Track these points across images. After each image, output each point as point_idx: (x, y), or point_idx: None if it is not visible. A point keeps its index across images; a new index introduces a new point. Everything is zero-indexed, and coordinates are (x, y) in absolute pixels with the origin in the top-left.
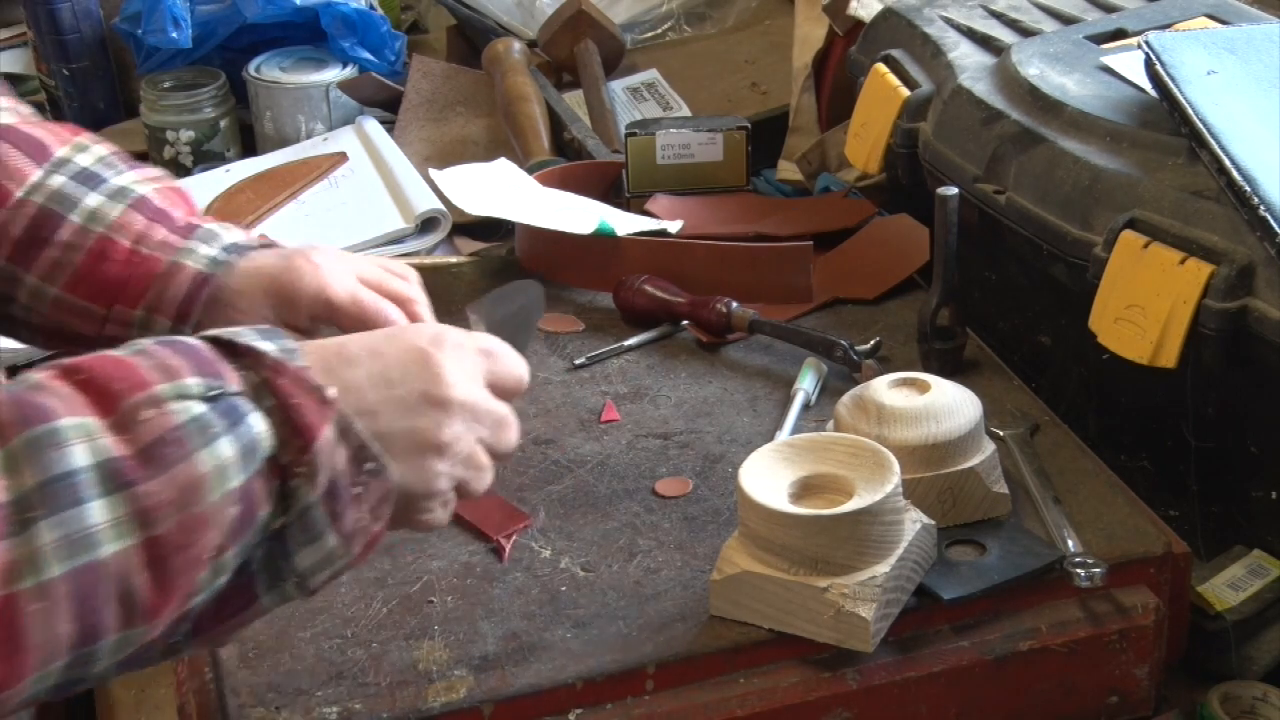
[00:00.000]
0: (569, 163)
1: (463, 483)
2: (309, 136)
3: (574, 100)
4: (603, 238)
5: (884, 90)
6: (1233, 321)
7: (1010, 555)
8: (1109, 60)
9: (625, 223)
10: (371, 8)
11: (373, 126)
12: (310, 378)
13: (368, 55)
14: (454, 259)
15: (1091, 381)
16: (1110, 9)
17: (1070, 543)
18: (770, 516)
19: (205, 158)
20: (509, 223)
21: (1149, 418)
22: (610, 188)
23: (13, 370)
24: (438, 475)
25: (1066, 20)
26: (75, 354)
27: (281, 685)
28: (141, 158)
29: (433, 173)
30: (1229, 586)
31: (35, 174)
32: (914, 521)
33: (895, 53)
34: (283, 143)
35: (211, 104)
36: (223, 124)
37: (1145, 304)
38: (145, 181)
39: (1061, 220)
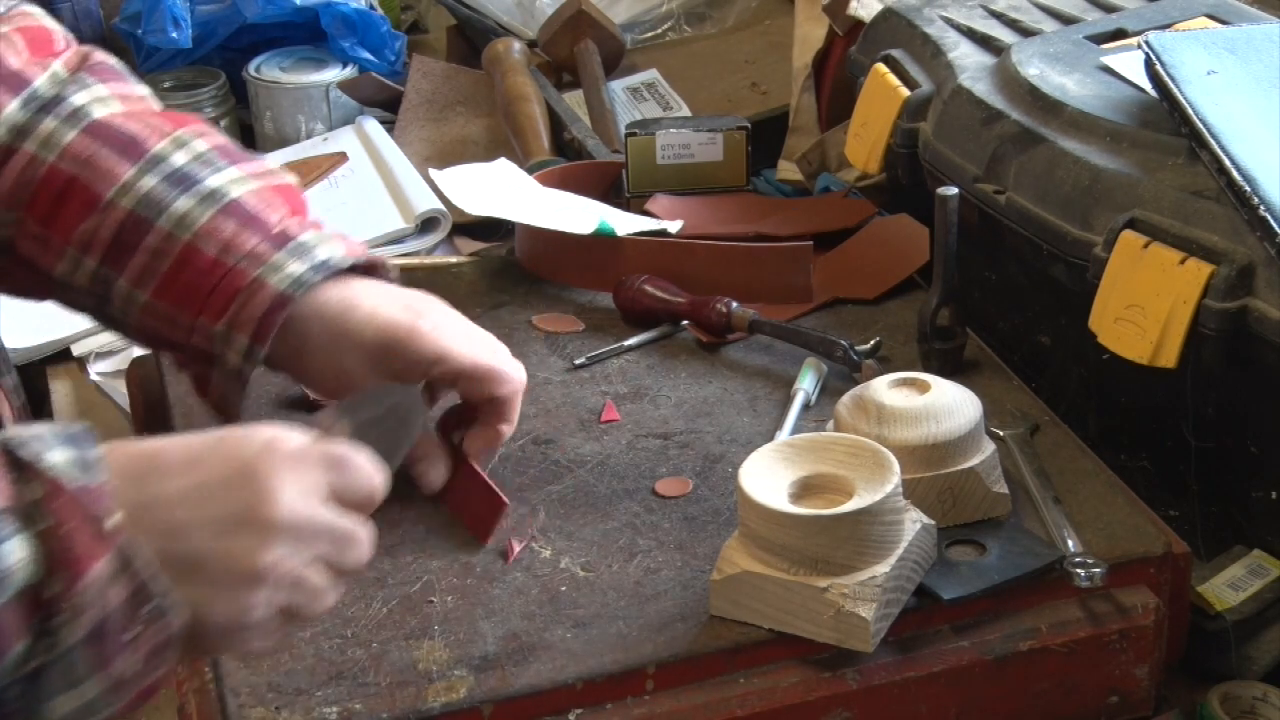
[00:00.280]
0: (569, 163)
1: (291, 608)
2: (309, 136)
3: (574, 100)
4: (603, 238)
5: (884, 90)
6: (1233, 321)
7: (1010, 555)
8: (1109, 60)
9: (625, 223)
10: (371, 8)
11: (373, 126)
12: (90, 503)
13: (368, 55)
14: (454, 259)
15: (1091, 381)
16: (1110, 9)
17: (1070, 543)
18: (770, 516)
19: None
20: (509, 223)
21: (1149, 418)
22: (610, 188)
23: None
24: (252, 606)
25: (1066, 20)
26: (172, 356)
27: (281, 685)
28: None
29: (433, 173)
30: (1229, 586)
31: (127, 173)
32: (914, 521)
33: (895, 53)
34: (283, 143)
35: (211, 104)
36: (223, 124)
37: (1145, 304)
38: (244, 180)
39: (1061, 220)
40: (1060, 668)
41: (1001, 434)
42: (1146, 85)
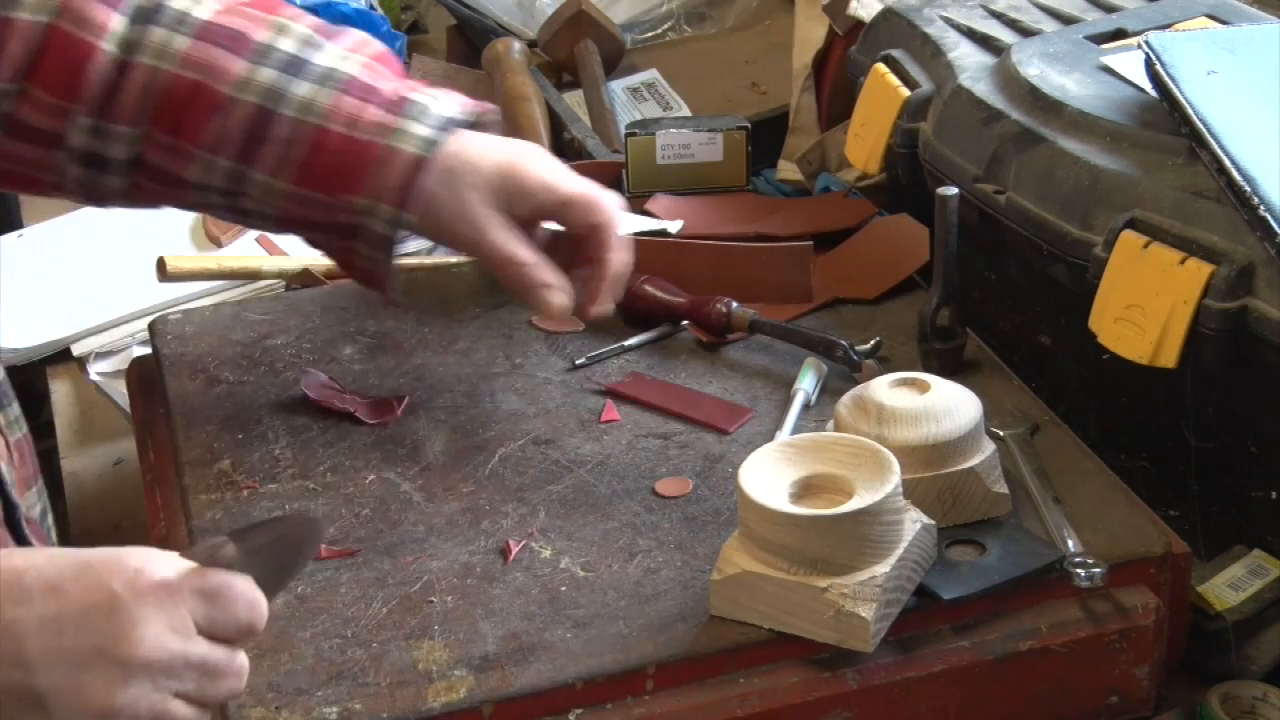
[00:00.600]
0: (569, 163)
1: None
2: None
3: (574, 100)
4: None
5: (884, 90)
6: (1233, 321)
7: (1010, 555)
8: (1109, 60)
9: (625, 223)
10: (371, 8)
11: None
12: None
13: None
14: (454, 259)
15: (1091, 381)
16: (1110, 9)
17: (1070, 543)
18: (770, 516)
19: None
20: None
21: (1149, 418)
22: (610, 188)
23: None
24: None
25: (1066, 20)
26: (311, 238)
27: (281, 685)
28: None
29: None
30: (1229, 586)
31: (242, 68)
32: (914, 521)
33: (895, 53)
34: None
35: None
36: None
37: (1145, 304)
38: (349, 55)
39: (1061, 220)
40: (1060, 668)
41: (1001, 434)
42: (1146, 85)
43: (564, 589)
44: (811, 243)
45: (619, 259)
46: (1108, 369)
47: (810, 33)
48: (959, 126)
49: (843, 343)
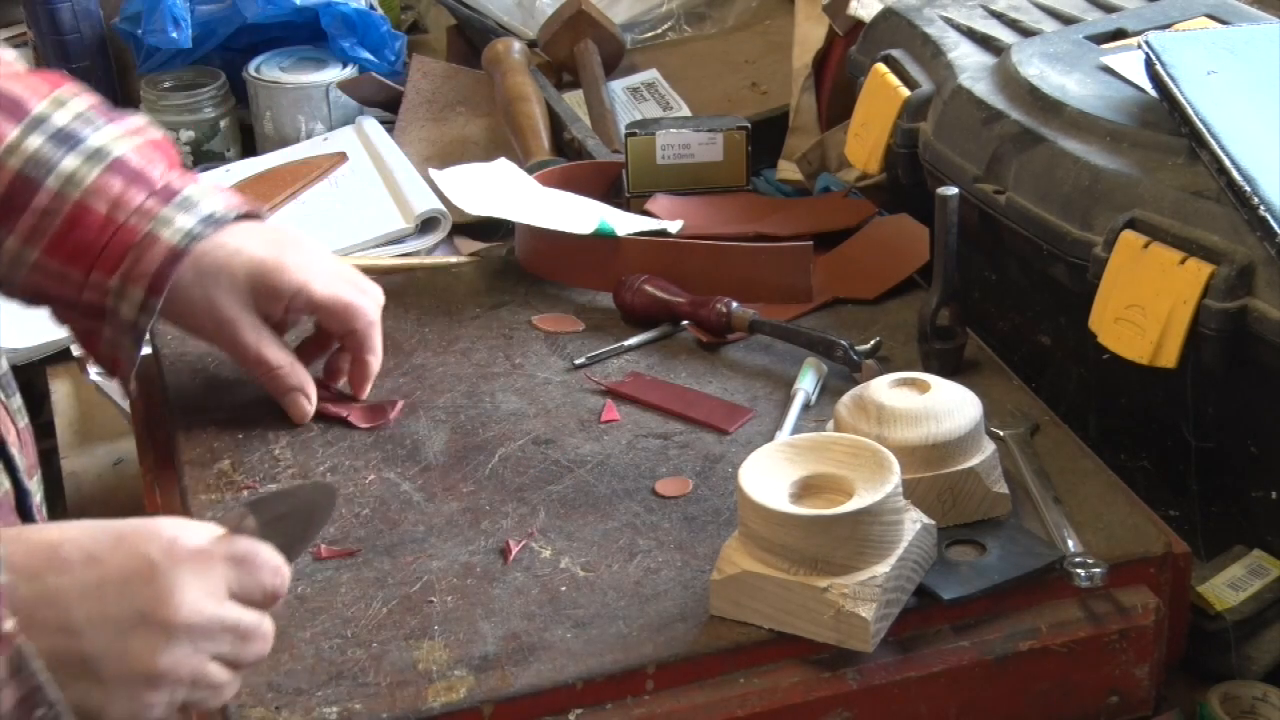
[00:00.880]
0: (569, 163)
1: (190, 704)
2: (309, 136)
3: (574, 100)
4: (603, 238)
5: (884, 90)
6: (1233, 321)
7: (1010, 555)
8: (1109, 60)
9: (625, 223)
10: (371, 8)
11: (372, 126)
12: None
13: (368, 55)
14: (454, 259)
15: (1091, 381)
16: (1110, 9)
17: (1070, 543)
18: (770, 516)
19: (205, 158)
20: (509, 223)
21: (1149, 418)
22: (610, 188)
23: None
24: (150, 705)
25: (1066, 20)
26: (57, 313)
27: (281, 685)
28: None
29: (433, 173)
30: (1229, 586)
31: (11, 134)
32: (914, 521)
33: (895, 53)
34: (283, 143)
35: (211, 104)
36: (223, 124)
37: (1145, 304)
38: (125, 137)
39: (1061, 220)
40: (1060, 668)
41: (1001, 434)
42: (1146, 85)
43: (564, 589)
44: (811, 243)
45: (375, 364)
46: (1108, 369)
47: (810, 33)
48: (959, 126)
49: (843, 343)
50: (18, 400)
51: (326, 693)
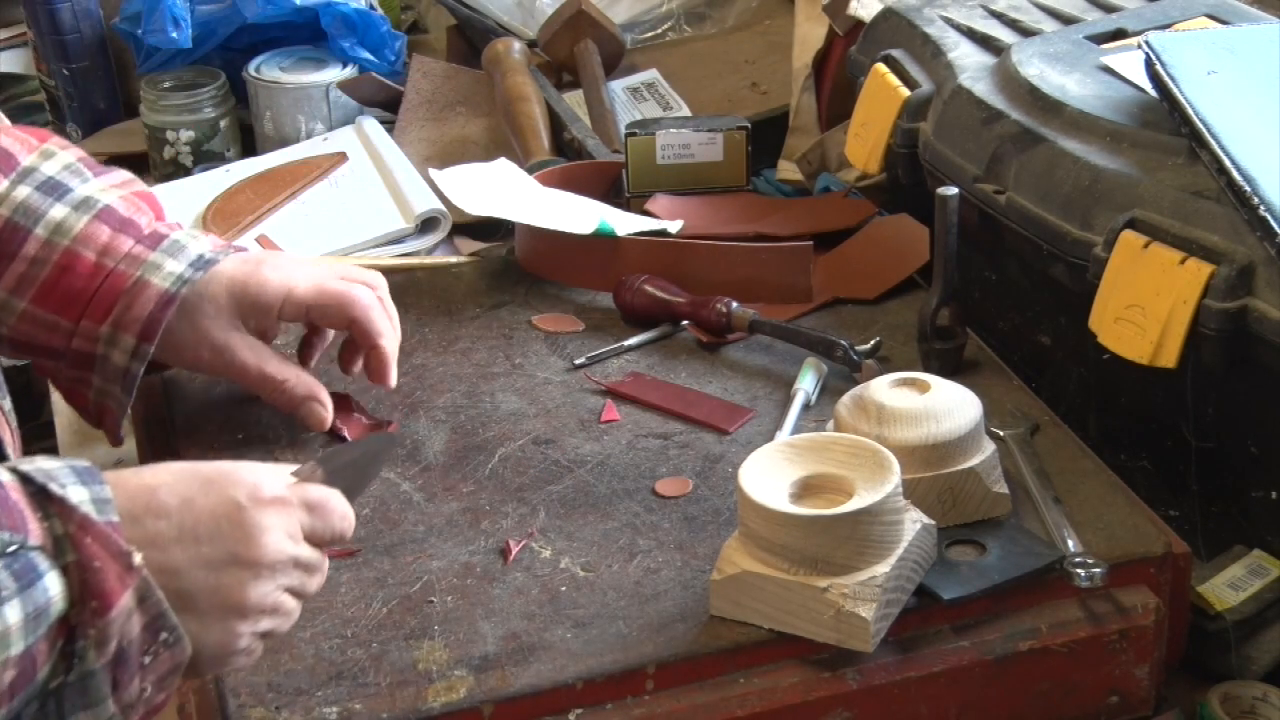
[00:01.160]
0: (569, 163)
1: (267, 633)
2: (309, 136)
3: (574, 100)
4: (603, 238)
5: (884, 90)
6: (1233, 321)
7: (1010, 555)
8: (1109, 60)
9: (625, 223)
10: (371, 8)
11: (372, 126)
12: (118, 540)
13: (368, 55)
14: (454, 259)
15: (1091, 381)
16: (1110, 9)
17: (1070, 543)
18: (770, 516)
19: (205, 158)
20: (509, 223)
21: (1149, 418)
22: (610, 188)
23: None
24: (239, 635)
25: (1066, 20)
26: (42, 365)
27: (281, 685)
28: (141, 158)
29: (433, 173)
30: (1229, 586)
31: (1, 185)
32: (914, 521)
33: (895, 53)
34: (283, 143)
35: (211, 104)
36: (223, 124)
37: (1145, 304)
38: (111, 189)
39: (1061, 220)
40: (1060, 668)
41: (1001, 434)
42: (1146, 85)
43: (564, 589)
44: (811, 243)
45: (389, 345)
46: (1108, 369)
47: (810, 33)
48: (959, 126)
49: (843, 343)
50: (8, 402)
51: (326, 693)
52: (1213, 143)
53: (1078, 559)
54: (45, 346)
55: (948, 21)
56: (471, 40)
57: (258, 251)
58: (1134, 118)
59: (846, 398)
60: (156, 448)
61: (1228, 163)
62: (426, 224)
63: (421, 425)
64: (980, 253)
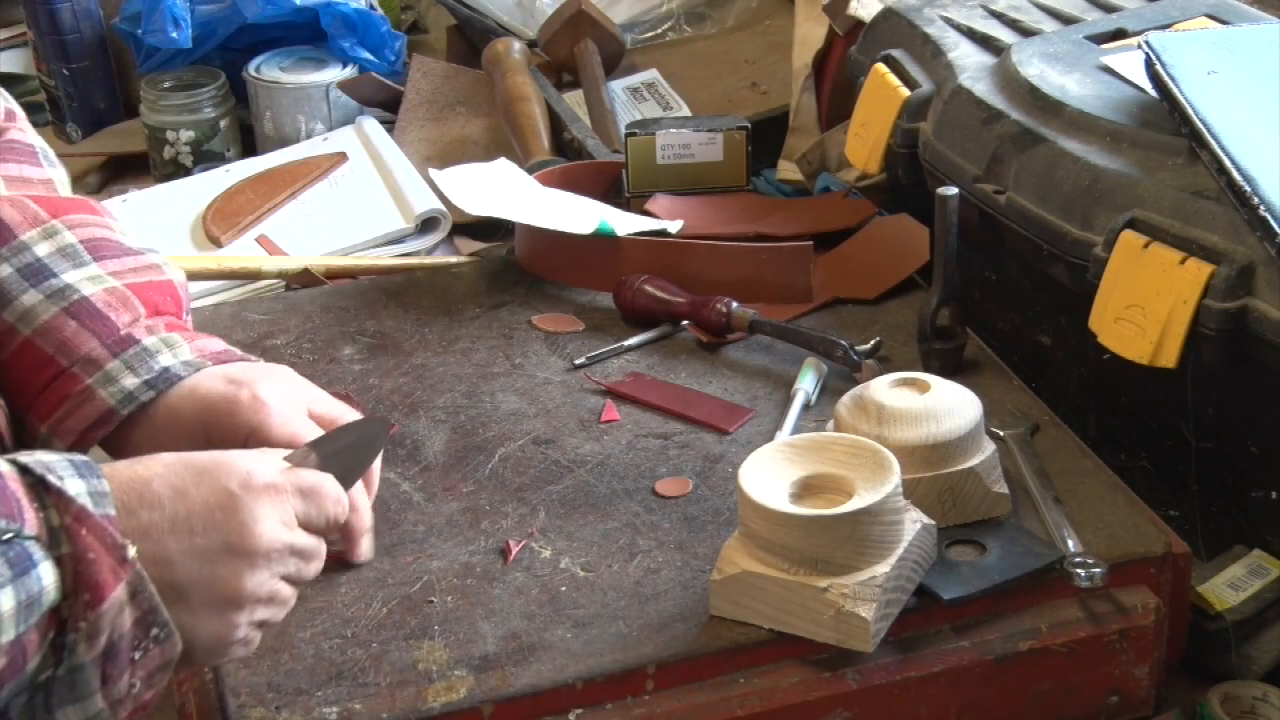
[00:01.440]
0: (569, 163)
1: (262, 621)
2: (309, 136)
3: (574, 100)
4: (603, 238)
5: (884, 90)
6: (1233, 321)
7: (1010, 555)
8: (1109, 60)
9: (625, 223)
10: (371, 8)
11: (372, 126)
12: (113, 533)
13: (368, 55)
14: (454, 259)
15: (1091, 381)
16: (1110, 9)
17: (1070, 543)
18: (770, 516)
19: (205, 158)
20: (509, 223)
21: (1149, 418)
22: (610, 188)
23: None
24: (236, 626)
25: (1066, 20)
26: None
27: (281, 685)
28: (141, 158)
29: (433, 173)
30: (1229, 586)
31: None
32: (914, 521)
33: (895, 53)
34: (283, 143)
35: (211, 104)
36: (223, 124)
37: (1145, 304)
38: (101, 278)
39: (1061, 220)
40: (1060, 668)
41: (1001, 434)
42: (1146, 85)
43: (564, 589)
44: (811, 243)
45: (356, 518)
46: (1108, 369)
47: (810, 33)
48: (959, 126)
49: (843, 343)
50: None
51: (326, 693)
52: (1213, 143)
53: (1078, 559)
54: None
55: (948, 21)
56: (471, 40)
57: (254, 370)
58: (1134, 118)
59: (846, 398)
60: None
61: (1228, 163)
62: (426, 224)
63: (421, 425)
64: (980, 253)
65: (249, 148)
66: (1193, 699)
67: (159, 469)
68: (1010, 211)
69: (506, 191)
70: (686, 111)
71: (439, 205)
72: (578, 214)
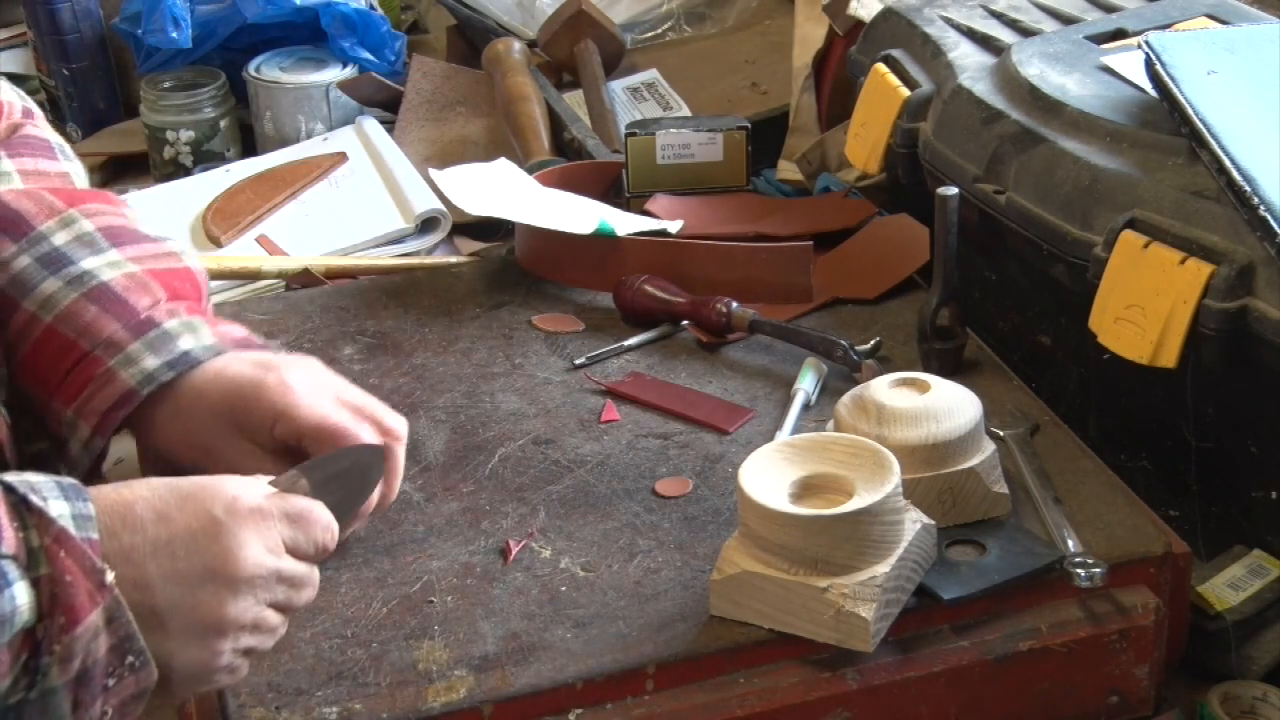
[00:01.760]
0: (569, 163)
1: (249, 649)
2: (309, 136)
3: (574, 100)
4: (603, 238)
5: (884, 90)
6: (1233, 321)
7: (1010, 555)
8: (1109, 60)
9: (625, 223)
10: (371, 8)
11: (373, 126)
12: (93, 557)
13: (368, 55)
14: (454, 259)
15: (1091, 381)
16: (1110, 9)
17: (1070, 543)
18: (770, 516)
19: (205, 158)
20: (509, 223)
21: (1149, 418)
22: (610, 188)
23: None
24: (218, 654)
25: (1066, 20)
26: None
27: (281, 685)
28: (141, 158)
29: (433, 173)
30: (1229, 586)
31: (7, 251)
32: (914, 521)
33: (895, 53)
34: (283, 143)
35: (211, 104)
36: (223, 124)
37: (1145, 304)
38: (121, 263)
39: (1061, 220)
40: (1060, 668)
41: (1001, 434)
42: (1146, 85)
43: (564, 589)
44: (811, 243)
45: (391, 486)
46: (1108, 369)
47: (810, 33)
48: (959, 126)
49: (843, 343)
50: (5, 392)
51: (326, 693)
52: (1213, 143)
53: (1078, 559)
54: (32, 416)
55: (948, 21)
56: (471, 40)
57: (281, 356)
58: (1134, 118)
59: (846, 398)
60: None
61: (1228, 163)
62: (426, 224)
63: (421, 425)
64: (980, 253)
65: (249, 148)
66: (1193, 699)
67: (144, 492)
68: (1010, 211)
69: (506, 191)
70: (686, 111)
71: (439, 205)
72: (578, 214)
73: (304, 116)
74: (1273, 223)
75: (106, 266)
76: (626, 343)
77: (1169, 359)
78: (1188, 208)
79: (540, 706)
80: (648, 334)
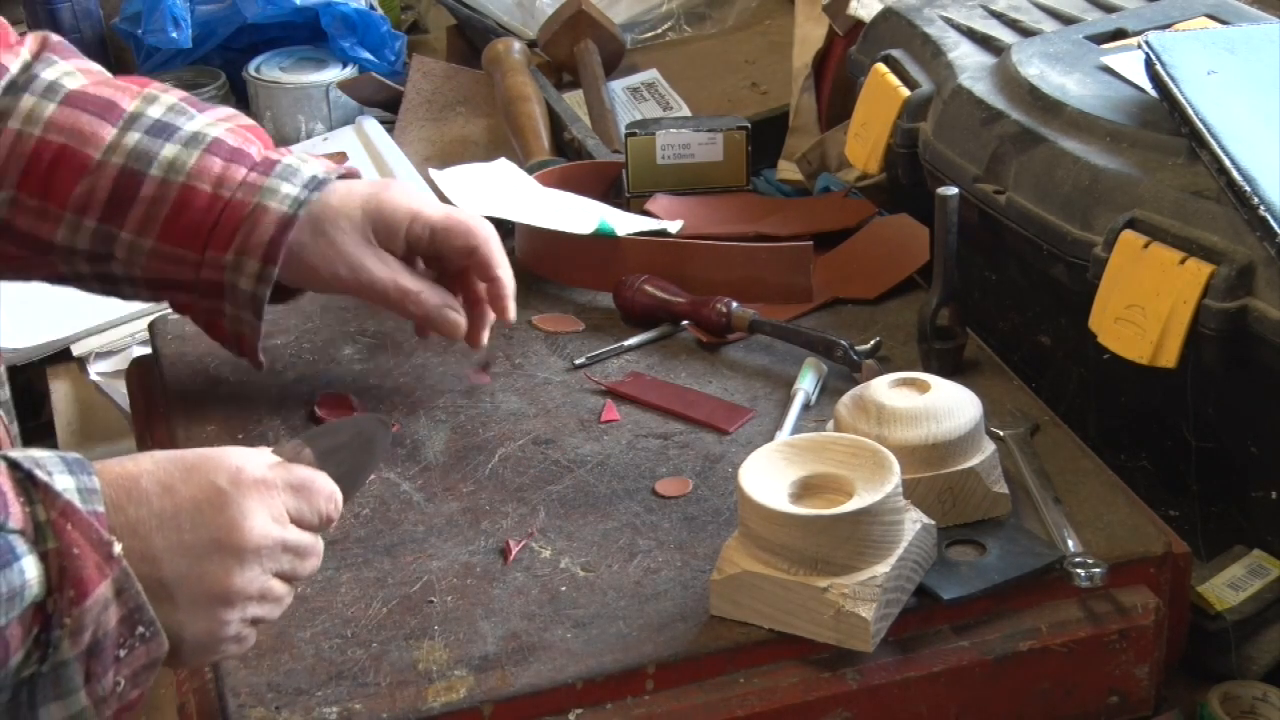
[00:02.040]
0: (569, 163)
1: (256, 618)
2: (309, 136)
3: (574, 100)
4: (603, 238)
5: (884, 90)
6: (1233, 321)
7: (1010, 555)
8: (1109, 60)
9: (625, 223)
10: (371, 8)
11: (372, 126)
12: (99, 529)
13: (368, 55)
14: None
15: (1091, 381)
16: (1110, 9)
17: (1070, 543)
18: (770, 516)
19: None
20: (509, 223)
21: (1149, 418)
22: (610, 188)
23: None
24: (225, 624)
25: (1066, 20)
26: (177, 300)
27: (281, 685)
28: None
29: (433, 173)
30: (1229, 586)
31: (110, 134)
32: (914, 521)
33: (895, 53)
34: (283, 143)
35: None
36: None
37: (1145, 304)
38: (217, 123)
39: (1061, 220)
40: (1060, 668)
41: (1001, 434)
42: (1146, 85)
43: (564, 589)
44: (811, 243)
45: (508, 276)
46: (1108, 369)
47: (810, 33)
48: (959, 126)
49: (843, 343)
50: (6, 391)
51: (326, 693)
52: (1213, 143)
53: (1078, 559)
54: (176, 281)
55: (948, 21)
56: (471, 40)
57: (380, 181)
58: (1134, 118)
59: (846, 398)
60: (156, 444)
61: (1228, 163)
62: None
63: (421, 425)
64: (980, 253)
65: None
66: (1193, 699)
67: (148, 465)
68: (1010, 211)
69: (506, 191)
70: (686, 111)
71: None
72: (578, 214)
73: (304, 116)
74: (1273, 223)
75: (208, 126)
76: (626, 343)
77: (1169, 359)
78: (1188, 208)
79: (540, 706)
80: (648, 334)
